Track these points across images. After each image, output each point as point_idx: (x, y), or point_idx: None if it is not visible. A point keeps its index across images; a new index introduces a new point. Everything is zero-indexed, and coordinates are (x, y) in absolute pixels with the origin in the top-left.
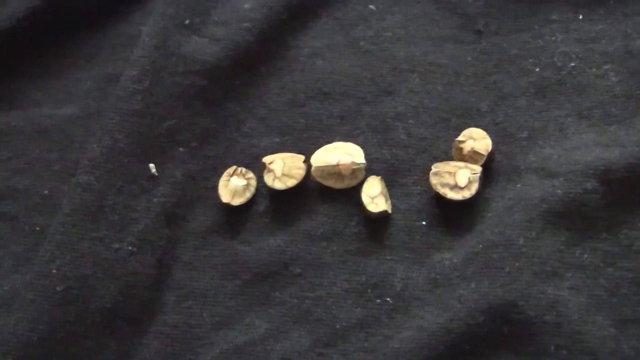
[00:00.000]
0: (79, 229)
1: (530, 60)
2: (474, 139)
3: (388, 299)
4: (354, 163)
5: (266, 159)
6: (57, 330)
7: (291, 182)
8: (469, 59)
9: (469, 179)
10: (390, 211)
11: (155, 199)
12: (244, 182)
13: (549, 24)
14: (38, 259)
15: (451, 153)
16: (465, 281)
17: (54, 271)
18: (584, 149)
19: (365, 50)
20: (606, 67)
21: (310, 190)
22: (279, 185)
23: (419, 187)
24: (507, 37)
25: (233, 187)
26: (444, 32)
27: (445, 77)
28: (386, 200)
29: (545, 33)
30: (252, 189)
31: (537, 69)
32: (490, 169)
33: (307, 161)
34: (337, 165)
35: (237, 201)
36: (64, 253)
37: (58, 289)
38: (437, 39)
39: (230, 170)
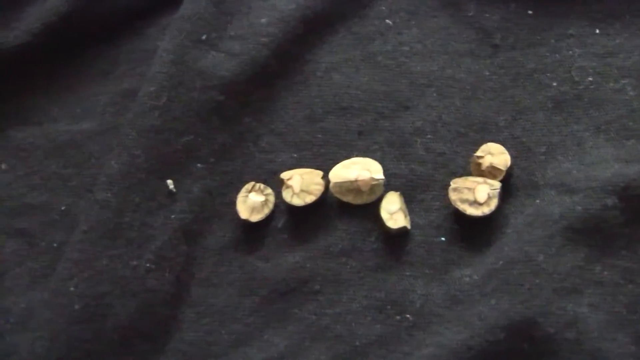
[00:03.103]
0: (96, 247)
1: (548, 74)
2: (492, 154)
3: (407, 315)
4: (372, 179)
5: (284, 175)
6: (74, 349)
7: (309, 198)
8: (487, 73)
9: (488, 194)
10: (409, 227)
11: (173, 216)
12: (262, 198)
13: (565, 39)
14: (55, 277)
15: (470, 168)
16: (485, 298)
17: (72, 289)
18: (603, 165)
19: (382, 64)
20: (624, 81)
21: (328, 206)
22: (297, 201)
23: (437, 203)
24: (524, 52)
25: (251, 203)
26: (461, 47)
27: (463, 91)
28: (405, 216)
29: (562, 47)
30: (271, 205)
31: (555, 84)
32: (509, 184)
33: (325, 177)
34: (356, 181)
35: (255, 217)
36: (82, 271)
37: (76, 307)
38: (454, 54)
39: (249, 186)
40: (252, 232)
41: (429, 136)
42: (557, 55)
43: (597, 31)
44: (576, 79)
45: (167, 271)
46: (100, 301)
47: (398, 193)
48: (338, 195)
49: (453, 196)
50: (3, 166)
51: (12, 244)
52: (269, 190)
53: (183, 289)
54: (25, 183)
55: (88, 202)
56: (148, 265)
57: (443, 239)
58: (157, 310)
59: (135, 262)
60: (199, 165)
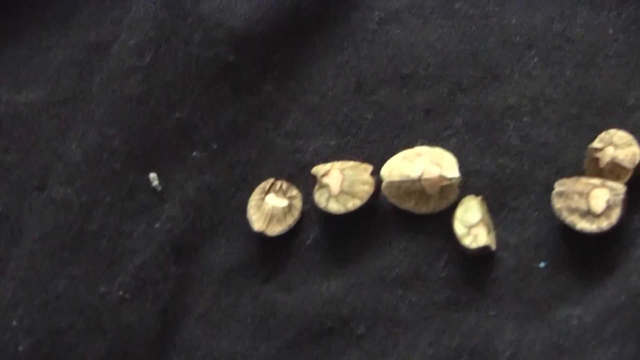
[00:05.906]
0: (51, 263)
1: None
2: (616, 146)
3: None
4: (443, 177)
5: (318, 170)
6: None
7: (353, 204)
8: (611, 31)
9: (608, 202)
10: (494, 247)
11: (159, 223)
12: (284, 202)
13: None
14: None
15: (583, 165)
16: (603, 345)
17: (14, 323)
18: None
19: (462, 14)
20: None
21: (380, 215)
22: (335, 207)
23: (536, 213)
24: None
25: (269, 209)
26: None
27: (577, 56)
28: (489, 232)
29: None
30: (296, 213)
31: None
32: (637, 188)
33: (376, 173)
34: (420, 180)
35: (274, 229)
36: (31, 296)
37: (20, 348)
38: (566, 2)
39: (266, 184)
40: (270, 250)
41: (526, 118)
42: None
43: None
44: None
45: (149, 301)
46: (56, 339)
47: (479, 198)
48: (394, 200)
49: (558, 204)
50: None
51: None
52: (295, 192)
53: (172, 326)
54: None
55: (39, 201)
56: (122, 292)
57: (543, 264)
58: (136, 354)
59: (105, 288)
60: (196, 153)
